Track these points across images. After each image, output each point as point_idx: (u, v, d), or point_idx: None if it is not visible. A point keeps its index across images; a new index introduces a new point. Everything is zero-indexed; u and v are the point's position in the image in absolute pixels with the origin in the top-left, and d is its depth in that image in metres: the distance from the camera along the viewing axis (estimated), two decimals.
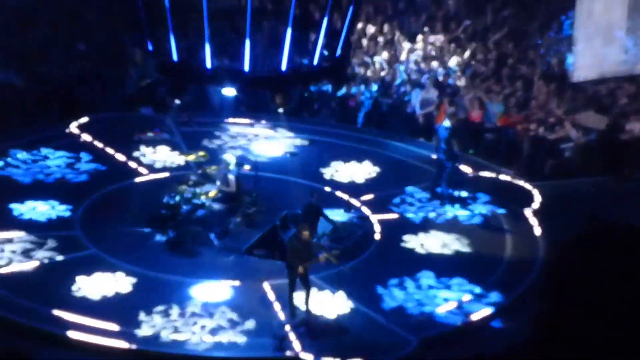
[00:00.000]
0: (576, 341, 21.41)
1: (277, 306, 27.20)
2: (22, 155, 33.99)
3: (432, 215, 32.07)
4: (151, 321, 26.51)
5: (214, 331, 26.19)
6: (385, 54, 38.48)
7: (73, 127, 35.27)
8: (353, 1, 31.36)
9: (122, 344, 25.70)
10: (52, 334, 25.88)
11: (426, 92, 36.98)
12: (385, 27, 39.54)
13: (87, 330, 25.93)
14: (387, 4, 40.16)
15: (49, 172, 33.25)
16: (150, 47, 31.58)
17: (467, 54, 38.32)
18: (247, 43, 30.26)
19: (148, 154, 34.16)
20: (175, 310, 26.87)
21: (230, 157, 30.93)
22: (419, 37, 39.12)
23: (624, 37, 38.39)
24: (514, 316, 27.49)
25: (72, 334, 25.78)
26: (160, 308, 26.87)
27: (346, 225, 30.98)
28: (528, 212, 32.26)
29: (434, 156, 33.40)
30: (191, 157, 32.18)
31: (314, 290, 27.13)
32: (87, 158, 33.91)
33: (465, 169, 34.00)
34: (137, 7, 31.64)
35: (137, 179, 33.15)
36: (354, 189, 33.20)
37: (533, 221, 31.79)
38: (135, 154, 34.05)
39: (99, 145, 34.44)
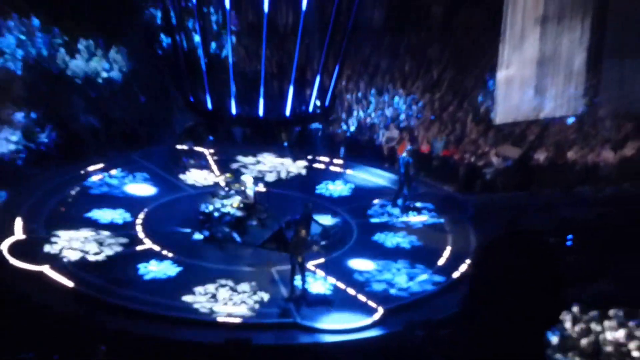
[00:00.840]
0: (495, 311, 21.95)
1: (281, 285, 27.91)
2: (97, 177, 34.09)
3: (394, 220, 32.45)
4: (190, 296, 27.22)
5: (236, 303, 26.88)
6: (360, 104, 38.40)
7: (136, 156, 35.35)
8: (337, 66, 32.17)
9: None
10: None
11: (390, 132, 37.32)
12: (361, 85, 39.58)
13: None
14: (361, 69, 40.08)
15: (119, 188, 33.56)
16: (191, 99, 32.39)
17: (420, 103, 38.41)
18: (262, 96, 31.13)
19: (190, 175, 34.51)
20: (210, 287, 27.53)
21: (248, 178, 31.61)
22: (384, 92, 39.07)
23: (532, 92, 38.66)
24: (453, 293, 27.96)
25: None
26: (199, 287, 27.50)
27: (331, 226, 31.14)
28: (463, 217, 32.64)
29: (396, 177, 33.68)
30: (224, 177, 32.48)
31: (308, 274, 27.81)
32: (146, 177, 34.23)
33: (419, 186, 34.19)
34: (181, 70, 32.56)
35: (183, 194, 33.49)
36: (339, 201, 33.61)
37: (467, 224, 32.23)
38: (181, 176, 34.40)
39: (155, 169, 34.64)
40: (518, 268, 19.99)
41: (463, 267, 29.45)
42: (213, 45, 36.94)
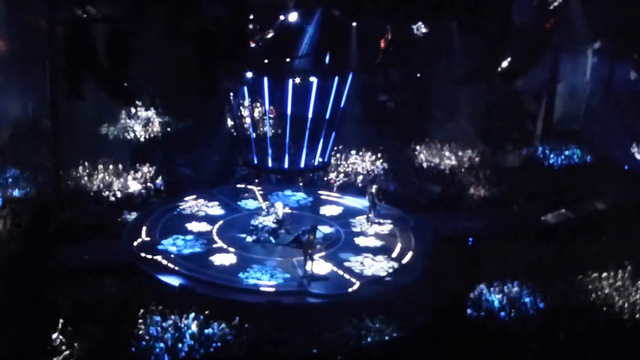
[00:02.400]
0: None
1: (299, 268, 28.02)
2: (190, 204, 33.77)
3: (367, 229, 32.20)
4: (244, 274, 27.40)
5: (270, 279, 27.15)
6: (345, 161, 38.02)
7: (214, 192, 35.26)
8: (332, 138, 32.26)
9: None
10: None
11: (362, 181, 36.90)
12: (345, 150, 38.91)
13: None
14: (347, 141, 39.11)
15: (203, 211, 33.26)
16: (245, 157, 32.51)
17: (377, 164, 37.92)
18: (286, 155, 31.27)
19: (246, 202, 34.29)
20: (254, 271, 27.70)
21: (279, 204, 31.75)
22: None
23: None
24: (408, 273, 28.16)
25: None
26: (249, 269, 27.72)
27: (329, 233, 31.11)
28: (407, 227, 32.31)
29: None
30: (264, 205, 32.37)
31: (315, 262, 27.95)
32: (219, 204, 33.96)
33: (381, 209, 33.50)
34: (239, 140, 32.62)
35: (241, 214, 33.18)
36: (334, 218, 33.18)
37: (409, 232, 31.85)
38: (240, 203, 34.20)
39: (225, 199, 34.48)
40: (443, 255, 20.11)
41: (407, 258, 29.39)
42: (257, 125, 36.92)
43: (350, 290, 26.73)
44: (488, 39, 28.29)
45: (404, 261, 29.15)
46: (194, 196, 34.35)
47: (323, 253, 29.19)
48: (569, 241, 30.05)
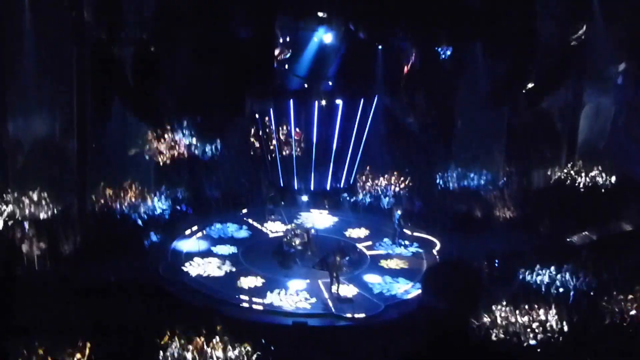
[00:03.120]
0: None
1: (325, 291, 27.99)
2: (216, 227, 34.07)
3: (392, 251, 32.21)
4: (270, 296, 27.36)
5: (298, 301, 27.13)
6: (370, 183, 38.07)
7: (240, 214, 35.30)
8: (358, 156, 32.02)
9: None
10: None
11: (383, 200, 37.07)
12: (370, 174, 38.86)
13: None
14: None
15: (230, 233, 33.46)
16: (272, 179, 32.48)
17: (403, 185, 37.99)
18: (312, 177, 31.23)
19: (272, 224, 34.37)
20: (282, 292, 27.72)
21: (305, 226, 31.89)
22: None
23: None
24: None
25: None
26: (275, 291, 27.74)
27: (354, 256, 30.75)
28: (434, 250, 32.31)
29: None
30: (290, 226, 32.31)
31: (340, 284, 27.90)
32: (243, 226, 34.07)
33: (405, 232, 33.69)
34: (266, 163, 32.64)
35: (267, 235, 33.38)
36: (359, 239, 33.19)
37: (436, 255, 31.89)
38: (267, 224, 34.28)
39: (251, 221, 34.50)
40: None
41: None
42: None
43: (375, 312, 26.88)
44: (513, 62, 28.10)
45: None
46: (220, 218, 34.43)
47: (349, 275, 29.14)
48: (594, 262, 29.80)
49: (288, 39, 34.47)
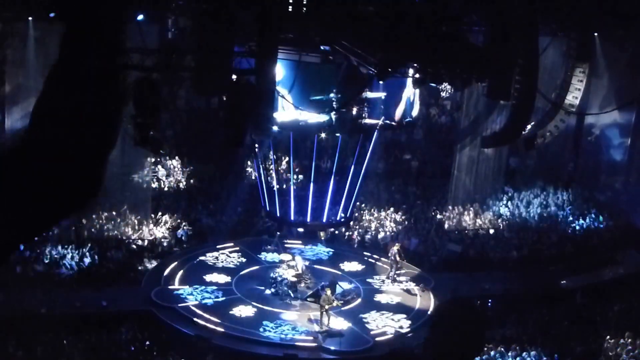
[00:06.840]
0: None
1: (315, 324, 27.87)
2: (212, 254, 33.82)
3: (387, 287, 32.06)
4: (261, 327, 27.37)
5: (287, 334, 27.13)
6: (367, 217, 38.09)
7: (236, 244, 35.19)
8: (356, 190, 32.00)
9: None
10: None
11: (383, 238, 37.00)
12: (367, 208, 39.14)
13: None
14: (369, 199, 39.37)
15: (222, 263, 33.19)
16: (268, 210, 32.47)
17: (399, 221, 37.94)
18: (309, 209, 31.21)
19: (267, 255, 34.20)
20: (272, 324, 27.73)
21: (298, 258, 31.79)
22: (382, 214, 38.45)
23: None
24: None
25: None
26: (267, 322, 27.79)
27: (348, 290, 30.99)
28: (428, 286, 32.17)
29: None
30: (284, 257, 32.34)
31: (332, 317, 27.90)
32: (238, 255, 33.92)
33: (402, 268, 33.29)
34: (262, 193, 32.57)
35: (261, 266, 33.19)
36: (354, 274, 33.06)
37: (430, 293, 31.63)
38: (261, 255, 34.17)
39: (246, 250, 34.44)
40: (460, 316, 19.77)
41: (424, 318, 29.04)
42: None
43: (364, 347, 26.99)
44: (513, 104, 28.23)
45: (420, 321, 29.03)
46: (215, 246, 34.48)
47: (341, 309, 29.21)
48: (587, 306, 29.85)
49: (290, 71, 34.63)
